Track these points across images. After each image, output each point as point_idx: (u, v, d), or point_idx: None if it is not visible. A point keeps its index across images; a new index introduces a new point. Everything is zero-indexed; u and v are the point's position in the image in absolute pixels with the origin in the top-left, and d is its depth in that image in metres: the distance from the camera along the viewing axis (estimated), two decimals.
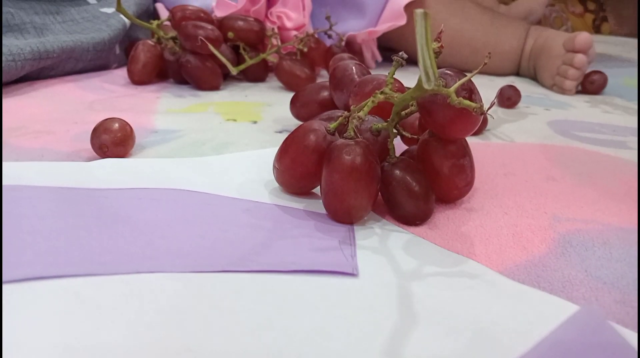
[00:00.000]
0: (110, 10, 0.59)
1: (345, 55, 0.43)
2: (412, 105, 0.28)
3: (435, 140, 0.28)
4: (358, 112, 0.26)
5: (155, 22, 0.53)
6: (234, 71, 0.50)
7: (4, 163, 0.30)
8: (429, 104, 0.26)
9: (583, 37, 0.58)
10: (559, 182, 0.34)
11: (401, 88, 0.30)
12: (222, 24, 0.54)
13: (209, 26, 0.51)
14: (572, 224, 0.29)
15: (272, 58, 0.55)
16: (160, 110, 0.46)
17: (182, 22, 0.51)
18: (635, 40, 1.16)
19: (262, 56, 0.54)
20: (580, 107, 0.55)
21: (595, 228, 0.28)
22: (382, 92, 0.26)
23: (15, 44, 0.46)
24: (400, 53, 0.27)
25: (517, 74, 0.70)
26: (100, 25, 0.56)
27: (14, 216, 0.23)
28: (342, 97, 0.35)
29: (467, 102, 0.24)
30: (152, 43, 0.54)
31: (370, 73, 0.37)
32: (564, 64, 0.60)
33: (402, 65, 0.27)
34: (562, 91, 0.60)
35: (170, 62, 0.54)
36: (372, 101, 0.26)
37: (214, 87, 0.54)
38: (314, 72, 0.56)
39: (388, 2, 0.65)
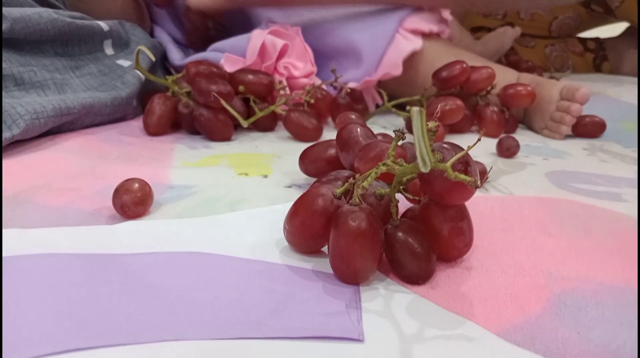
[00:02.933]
0: (127, 63, 0.62)
1: (352, 115, 0.45)
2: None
3: (435, 204, 0.30)
4: (362, 181, 0.29)
5: (170, 78, 0.56)
6: (245, 124, 0.52)
7: (37, 229, 0.32)
8: (427, 176, 0.28)
9: (584, 92, 0.61)
10: (555, 237, 0.36)
11: (403, 155, 0.33)
12: (232, 78, 0.57)
13: (221, 82, 0.54)
14: (566, 282, 0.31)
15: (280, 110, 0.57)
16: (175, 164, 0.48)
17: (196, 78, 0.54)
18: (635, 79, 1.18)
19: (271, 108, 0.57)
20: (578, 156, 0.57)
21: (589, 287, 0.30)
22: (384, 164, 0.29)
23: (38, 102, 0.49)
24: (401, 128, 0.29)
25: None
26: (116, 82, 0.59)
27: (47, 286, 0.25)
28: (348, 158, 0.37)
29: (463, 176, 0.26)
30: (167, 96, 0.57)
31: (374, 135, 0.39)
32: (558, 110, 0.62)
33: (402, 139, 0.29)
34: (554, 135, 0.63)
35: (184, 114, 0.56)
36: (375, 172, 0.28)
37: (226, 139, 0.56)
38: (320, 122, 0.58)
39: (385, 53, 0.68)
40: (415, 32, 0.69)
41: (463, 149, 0.28)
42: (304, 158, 0.42)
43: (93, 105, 0.54)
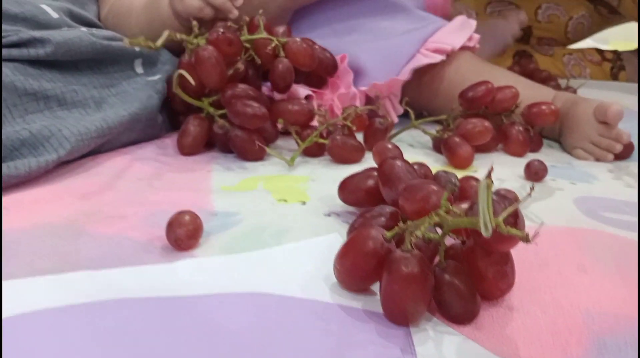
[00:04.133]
0: (156, 76, 0.64)
1: (389, 144, 0.47)
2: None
3: (480, 248, 0.32)
4: (415, 230, 0.30)
5: (206, 100, 0.58)
6: (290, 163, 0.55)
7: (107, 270, 0.34)
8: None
9: (616, 110, 0.61)
10: (590, 273, 0.38)
11: (452, 199, 0.34)
12: (273, 107, 0.58)
13: (256, 104, 0.55)
14: (604, 321, 0.32)
15: (323, 140, 0.58)
16: (214, 187, 0.50)
17: (232, 100, 0.56)
18: None
19: (312, 139, 0.57)
20: (604, 179, 0.58)
21: (626, 325, 0.32)
22: (437, 214, 0.30)
23: (82, 124, 0.51)
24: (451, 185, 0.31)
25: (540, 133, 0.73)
26: (150, 91, 0.61)
27: (131, 334, 0.27)
28: (390, 194, 0.39)
29: (515, 231, 0.27)
30: (202, 117, 0.58)
31: (414, 170, 0.41)
32: (600, 134, 0.63)
33: (454, 190, 0.31)
34: (589, 157, 0.64)
35: (218, 135, 0.58)
36: (429, 222, 0.30)
37: (259, 159, 0.58)
38: (362, 145, 0.60)
39: (412, 59, 0.70)
40: (438, 51, 0.70)
41: (512, 199, 0.29)
42: (343, 188, 0.44)
43: (130, 121, 0.56)
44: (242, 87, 0.58)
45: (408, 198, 0.35)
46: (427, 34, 0.71)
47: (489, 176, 0.27)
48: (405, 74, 0.69)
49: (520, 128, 0.64)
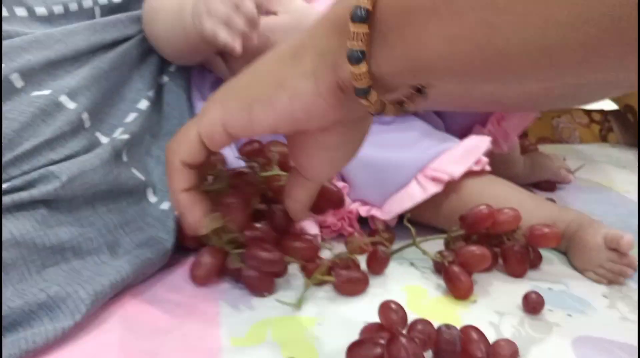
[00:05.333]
0: (167, 205, 0.66)
1: (392, 304, 0.49)
2: None
3: None
4: None
5: (226, 237, 0.58)
6: (297, 307, 0.57)
7: None
8: None
9: (628, 240, 0.64)
10: None
11: None
12: (281, 243, 0.60)
13: (272, 252, 0.57)
14: None
15: (329, 278, 0.60)
16: (224, 342, 0.52)
17: (250, 243, 0.57)
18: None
19: (318, 277, 0.59)
20: (599, 308, 0.60)
21: None
22: None
23: (97, 281, 0.53)
24: None
25: None
26: (161, 232, 0.63)
27: None
28: None
29: None
30: (216, 250, 0.59)
31: (422, 355, 0.43)
32: (611, 261, 0.66)
33: None
34: (602, 280, 0.66)
35: (231, 268, 0.60)
36: None
37: (269, 293, 0.60)
38: (365, 274, 0.62)
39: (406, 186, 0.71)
40: (436, 180, 0.70)
41: None
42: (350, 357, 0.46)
43: (143, 268, 0.58)
44: (261, 228, 0.59)
45: None
46: (426, 160, 0.71)
47: None
48: (393, 211, 0.71)
49: (521, 249, 0.66)
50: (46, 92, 0.58)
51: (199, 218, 0.51)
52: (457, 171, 0.70)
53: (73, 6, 0.73)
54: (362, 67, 0.35)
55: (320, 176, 0.51)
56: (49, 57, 0.61)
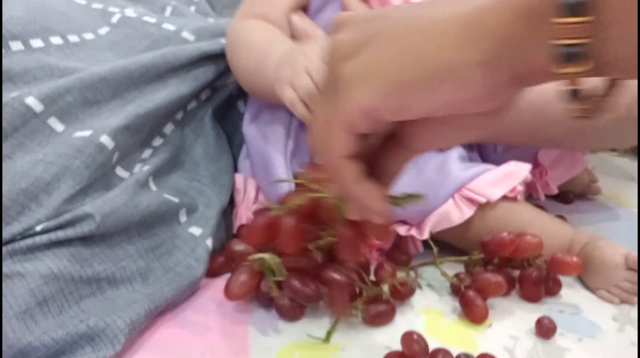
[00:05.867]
0: (198, 231, 0.69)
1: (417, 338, 0.52)
2: None
3: None
4: None
5: (271, 271, 0.60)
6: (326, 341, 0.59)
7: None
8: None
9: None
10: None
11: None
12: (317, 276, 0.61)
13: (314, 286, 0.59)
14: None
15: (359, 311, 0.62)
16: None
17: (290, 271, 0.60)
18: None
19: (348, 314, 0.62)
20: (608, 331, 0.63)
21: None
22: None
23: (133, 310, 0.56)
24: None
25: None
26: (190, 259, 0.65)
27: None
28: None
29: None
30: (254, 271, 0.61)
31: None
32: (627, 280, 0.68)
33: None
34: (614, 299, 0.68)
35: (264, 291, 0.62)
36: None
37: (296, 320, 0.62)
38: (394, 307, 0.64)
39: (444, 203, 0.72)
40: (472, 200, 0.71)
41: None
42: None
43: (174, 296, 0.61)
44: (302, 261, 0.61)
45: None
46: (464, 179, 0.71)
47: None
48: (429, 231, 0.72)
49: (538, 276, 0.68)
50: (87, 133, 0.61)
51: (383, 202, 0.41)
52: (495, 194, 0.71)
53: (118, 35, 0.75)
54: (583, 66, 0.29)
55: (429, 148, 0.43)
56: (91, 100, 0.64)
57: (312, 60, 0.62)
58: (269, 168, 0.74)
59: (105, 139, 0.61)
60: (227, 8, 1.12)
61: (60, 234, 0.56)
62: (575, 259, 0.68)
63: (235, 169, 0.84)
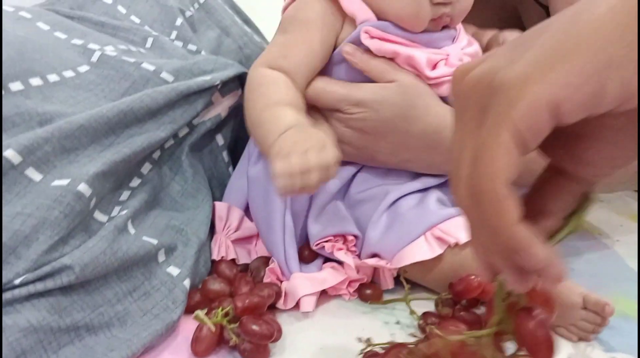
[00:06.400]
0: (176, 271, 0.71)
1: None
2: None
3: None
4: None
5: (219, 313, 0.64)
6: None
7: None
8: None
9: (611, 309, 0.69)
10: None
11: None
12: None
13: (267, 325, 0.62)
14: None
15: None
16: None
17: (244, 316, 0.63)
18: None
19: None
20: None
21: None
22: None
23: None
24: None
25: None
26: (167, 300, 0.67)
27: None
28: None
29: None
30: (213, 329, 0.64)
31: None
32: (583, 320, 0.70)
33: None
34: (573, 337, 0.71)
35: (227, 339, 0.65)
36: None
37: None
38: None
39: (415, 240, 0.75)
40: (442, 240, 0.74)
41: None
42: None
43: (152, 339, 0.63)
44: (254, 301, 0.64)
45: None
46: (436, 220, 0.74)
47: None
48: (400, 264, 0.74)
49: None
50: (65, 182, 0.62)
51: (550, 253, 0.33)
52: (464, 237, 0.73)
53: (98, 75, 0.77)
54: None
55: (601, 174, 0.36)
56: (69, 148, 0.65)
57: (313, 142, 0.62)
58: (271, 213, 0.77)
59: (83, 188, 0.63)
60: (210, 29, 1.13)
61: (40, 286, 0.58)
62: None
63: (220, 198, 0.87)
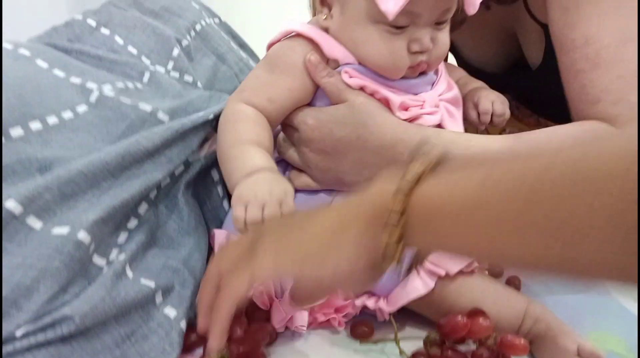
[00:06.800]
0: (172, 313, 0.73)
1: None
2: None
3: None
4: None
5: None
6: None
7: None
8: None
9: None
10: None
11: None
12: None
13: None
14: None
15: None
16: None
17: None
18: None
19: None
20: None
21: None
22: None
23: None
24: None
25: None
26: (165, 343, 0.69)
27: None
28: None
29: None
30: None
31: None
32: None
33: None
34: None
35: None
36: None
37: None
38: None
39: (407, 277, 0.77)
40: (432, 273, 0.76)
41: None
42: None
43: None
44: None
45: None
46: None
47: None
48: (399, 303, 0.77)
49: (489, 356, 0.73)
50: (65, 230, 0.63)
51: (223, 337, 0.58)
52: (453, 268, 0.77)
53: (96, 116, 0.78)
54: (395, 259, 0.48)
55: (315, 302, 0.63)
56: (68, 194, 0.66)
57: (272, 197, 0.67)
58: None
59: (82, 236, 0.64)
60: (206, 57, 1.15)
61: (40, 337, 0.59)
62: (522, 341, 0.73)
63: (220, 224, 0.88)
